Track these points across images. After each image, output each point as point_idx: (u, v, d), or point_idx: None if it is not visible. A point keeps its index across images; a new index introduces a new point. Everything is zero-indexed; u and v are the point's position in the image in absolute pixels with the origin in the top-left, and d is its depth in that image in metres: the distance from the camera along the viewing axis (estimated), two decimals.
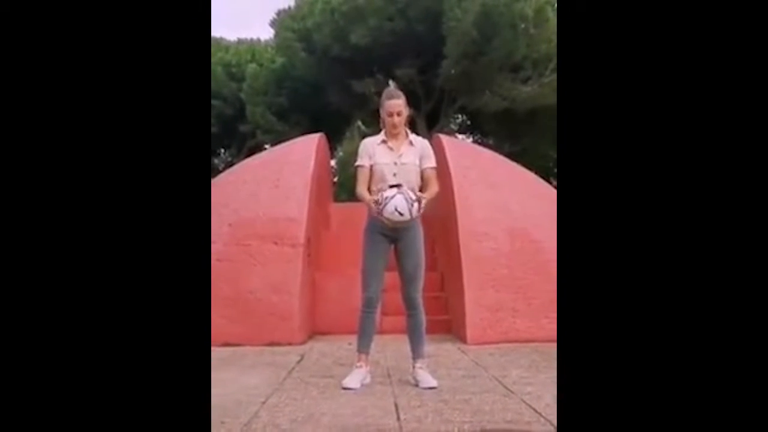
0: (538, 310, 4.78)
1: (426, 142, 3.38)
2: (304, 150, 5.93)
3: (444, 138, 6.22)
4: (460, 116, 19.97)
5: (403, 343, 4.66)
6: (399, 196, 2.97)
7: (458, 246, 5.03)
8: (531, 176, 6.18)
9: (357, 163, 3.28)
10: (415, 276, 3.22)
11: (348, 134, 19.55)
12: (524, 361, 3.82)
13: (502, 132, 17.68)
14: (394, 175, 3.16)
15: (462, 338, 4.83)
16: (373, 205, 3.07)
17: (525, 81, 15.40)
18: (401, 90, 3.41)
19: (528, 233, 5.14)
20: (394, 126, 3.20)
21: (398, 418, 2.45)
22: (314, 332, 5.33)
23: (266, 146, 15.84)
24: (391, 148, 3.22)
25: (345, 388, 3.05)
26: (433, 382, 3.12)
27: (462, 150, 6.48)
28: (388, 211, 2.97)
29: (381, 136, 3.29)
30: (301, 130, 13.31)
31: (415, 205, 2.97)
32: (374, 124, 19.87)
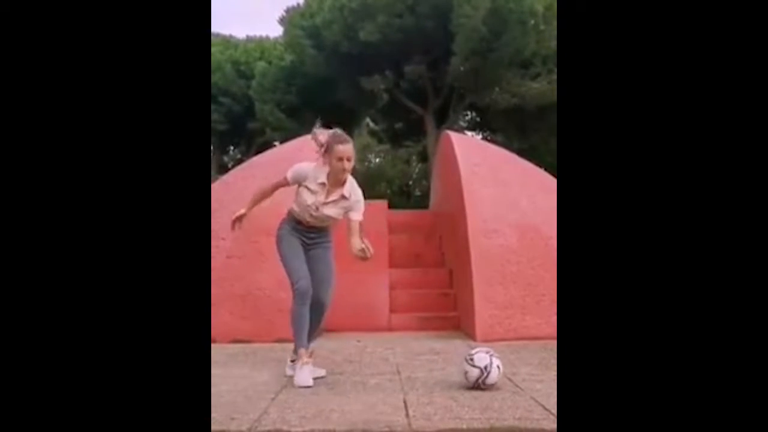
0: (548, 307, 4.76)
1: (359, 194, 3.22)
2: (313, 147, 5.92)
3: (453, 135, 6.20)
4: (469, 113, 19.97)
5: (411, 340, 4.68)
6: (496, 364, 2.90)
7: (467, 242, 5.01)
8: (540, 173, 6.15)
9: (288, 176, 3.22)
10: (327, 278, 3.22)
11: (357, 131, 19.59)
12: (534, 359, 3.80)
13: (511, 129, 17.67)
14: (311, 215, 3.19)
15: (471, 335, 4.82)
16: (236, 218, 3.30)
17: (534, 77, 15.39)
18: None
19: (537, 230, 5.12)
20: (344, 171, 3.11)
21: (407, 415, 2.45)
22: (322, 329, 5.33)
23: (275, 143, 15.90)
24: (323, 191, 3.15)
25: (302, 387, 2.96)
26: (308, 382, 3.00)
27: (471, 147, 6.46)
28: (493, 373, 2.88)
29: (323, 176, 3.17)
30: (310, 127, 13.31)
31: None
32: (383, 121, 19.91)
